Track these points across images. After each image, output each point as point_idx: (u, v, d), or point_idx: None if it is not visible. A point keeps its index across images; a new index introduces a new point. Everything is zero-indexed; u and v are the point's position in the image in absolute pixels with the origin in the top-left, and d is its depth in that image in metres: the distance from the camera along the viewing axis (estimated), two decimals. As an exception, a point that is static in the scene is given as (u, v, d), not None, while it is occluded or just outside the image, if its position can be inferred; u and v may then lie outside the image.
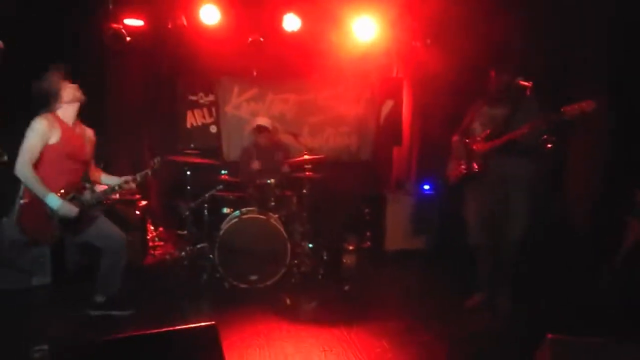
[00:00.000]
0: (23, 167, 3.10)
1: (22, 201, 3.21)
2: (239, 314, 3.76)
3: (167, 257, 5.24)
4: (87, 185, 3.49)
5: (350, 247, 4.86)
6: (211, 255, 4.47)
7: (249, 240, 4.36)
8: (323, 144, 6.24)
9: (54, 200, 3.16)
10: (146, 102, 5.86)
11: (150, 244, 5.51)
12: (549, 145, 3.42)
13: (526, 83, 3.65)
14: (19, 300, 3.98)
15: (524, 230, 3.74)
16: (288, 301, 4.12)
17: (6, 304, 3.75)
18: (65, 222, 3.27)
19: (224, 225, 4.48)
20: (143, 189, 5.54)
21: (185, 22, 5.20)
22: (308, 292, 4.31)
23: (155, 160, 3.68)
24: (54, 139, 3.20)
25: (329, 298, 4.20)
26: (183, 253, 4.90)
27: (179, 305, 3.96)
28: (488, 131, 3.78)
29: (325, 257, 4.96)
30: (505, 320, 3.72)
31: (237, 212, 4.56)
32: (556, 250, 4.78)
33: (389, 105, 6.39)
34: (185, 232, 5.14)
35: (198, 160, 4.87)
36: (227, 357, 2.15)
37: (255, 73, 6.01)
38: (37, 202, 3.17)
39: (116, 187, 3.54)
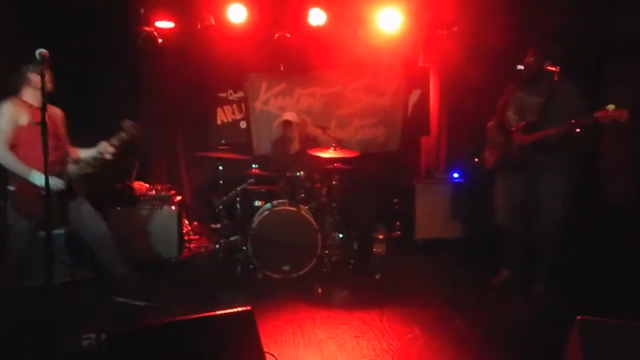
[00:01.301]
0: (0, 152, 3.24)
1: (11, 188, 3.32)
2: (273, 303, 3.87)
3: (202, 250, 5.42)
4: (69, 159, 3.59)
5: (380, 237, 4.92)
6: (244, 247, 4.61)
7: (281, 231, 4.47)
8: (351, 136, 6.30)
9: (37, 177, 3.26)
10: (178, 101, 6.05)
11: (186, 238, 5.70)
12: (578, 130, 3.39)
13: (553, 68, 3.62)
14: (62, 293, 4.18)
15: (560, 213, 3.75)
16: (320, 290, 4.22)
17: (51, 297, 3.95)
18: (60, 198, 3.39)
19: (256, 218, 4.60)
20: (175, 185, 5.75)
21: (213, 22, 5.35)
22: (339, 282, 4.40)
23: (126, 121, 3.68)
24: (22, 119, 3.31)
25: (360, 287, 4.28)
26: (217, 246, 5.07)
27: (215, 296, 4.11)
28: (525, 122, 3.77)
29: (355, 247, 5.04)
30: (538, 307, 3.72)
31: (268, 205, 4.67)
32: (593, 236, 4.73)
33: (416, 95, 6.39)
34: (219, 225, 5.30)
35: (229, 155, 5.01)
36: (262, 343, 2.26)
37: (282, 68, 6.10)
38: (26, 185, 3.29)
39: (97, 154, 3.58)
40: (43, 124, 2.69)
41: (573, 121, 3.41)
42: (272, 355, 2.78)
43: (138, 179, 5.38)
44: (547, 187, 3.76)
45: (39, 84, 3.38)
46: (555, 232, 3.81)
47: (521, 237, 4.02)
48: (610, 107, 3.21)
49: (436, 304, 3.83)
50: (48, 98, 3.44)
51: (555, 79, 3.60)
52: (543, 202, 3.79)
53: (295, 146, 5.39)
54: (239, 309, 2.17)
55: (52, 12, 4.70)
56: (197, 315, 2.11)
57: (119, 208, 5.01)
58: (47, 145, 2.77)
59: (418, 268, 4.86)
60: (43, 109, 2.74)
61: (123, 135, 3.64)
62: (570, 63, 3.68)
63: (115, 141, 3.62)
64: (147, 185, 5.40)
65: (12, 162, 3.26)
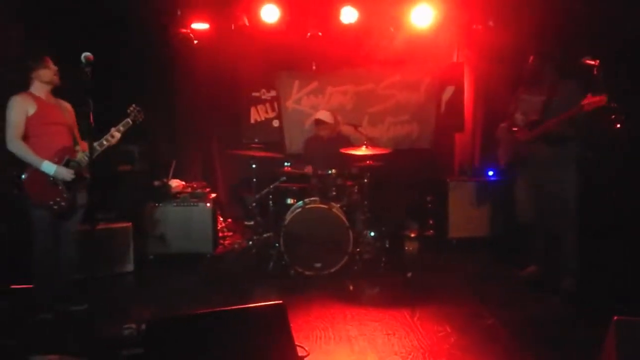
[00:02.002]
0: (12, 142, 3.37)
1: (24, 176, 3.43)
2: (304, 299, 3.92)
3: (236, 246, 5.53)
4: (78, 148, 3.68)
5: (412, 235, 4.90)
6: (277, 244, 4.67)
7: (313, 229, 4.51)
8: (383, 133, 6.29)
9: (49, 167, 3.40)
10: (213, 101, 6.19)
11: (220, 234, 5.82)
12: (618, 125, 3.34)
13: (592, 61, 3.53)
14: (107, 286, 4.37)
15: (571, 205, 3.87)
16: (351, 287, 4.24)
17: (95, 289, 4.12)
18: (69, 186, 3.50)
19: (289, 215, 4.66)
20: (210, 182, 5.88)
21: (247, 22, 5.44)
22: (371, 279, 4.41)
23: (132, 107, 3.78)
24: (31, 110, 3.43)
25: (392, 284, 4.28)
26: (250, 242, 5.16)
27: (247, 291, 4.20)
28: (530, 119, 3.93)
29: (387, 245, 5.04)
30: (570, 304, 3.67)
31: (300, 203, 4.72)
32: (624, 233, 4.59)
33: (450, 91, 6.31)
34: (252, 222, 5.39)
35: (262, 153, 5.09)
36: (294, 338, 2.30)
37: (314, 67, 6.15)
38: (37, 173, 3.41)
39: (104, 142, 3.65)
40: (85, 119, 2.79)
41: (563, 114, 3.65)
42: (303, 348, 2.83)
43: (174, 176, 5.54)
44: (555, 181, 3.91)
45: (46, 78, 3.53)
46: (570, 225, 3.90)
47: (541, 231, 4.16)
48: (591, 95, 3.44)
49: (468, 302, 3.81)
50: (56, 93, 3.65)
51: (595, 72, 3.51)
52: (552, 195, 3.94)
53: (328, 144, 5.41)
54: (272, 302, 2.22)
55: (89, 15, 4.87)
56: (232, 307, 2.18)
57: (156, 205, 5.17)
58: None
59: (451, 266, 4.83)
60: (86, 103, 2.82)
61: (128, 120, 3.75)
62: (571, 63, 3.82)
63: (121, 127, 3.73)
64: (184, 182, 5.55)
65: (26, 153, 3.39)
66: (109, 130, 3.70)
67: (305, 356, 2.80)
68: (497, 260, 4.87)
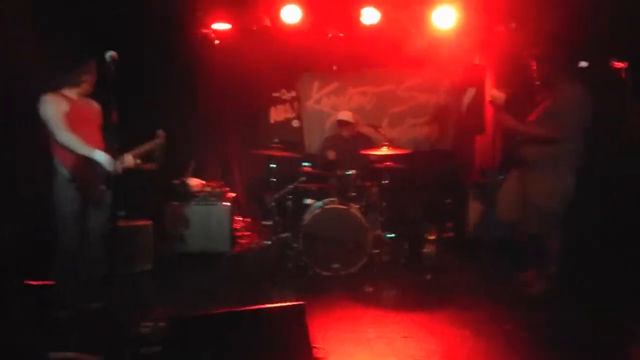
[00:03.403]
0: (62, 135, 3.35)
1: (65, 171, 3.41)
2: (322, 300, 3.91)
3: (254, 246, 5.55)
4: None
5: (431, 237, 4.86)
6: (295, 245, 4.67)
7: (331, 229, 4.50)
8: (403, 134, 6.25)
9: (101, 155, 3.40)
10: (233, 101, 6.22)
11: (238, 234, 5.85)
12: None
13: (620, 64, 3.46)
14: (126, 284, 4.40)
15: (549, 208, 3.78)
16: (369, 289, 4.22)
17: (114, 287, 4.16)
18: (107, 180, 3.49)
19: (307, 216, 4.66)
20: (228, 181, 5.91)
21: (268, 23, 5.46)
22: (389, 281, 4.38)
23: (158, 133, 3.77)
24: (65, 107, 3.42)
25: (411, 287, 4.25)
26: (268, 242, 5.17)
27: (266, 291, 4.21)
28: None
29: (406, 247, 5.00)
30: (589, 310, 3.61)
31: (319, 203, 4.72)
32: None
33: (471, 93, 6.23)
34: (270, 222, 5.40)
35: (282, 153, 5.09)
36: (312, 339, 2.30)
37: (335, 68, 6.15)
38: (83, 164, 3.41)
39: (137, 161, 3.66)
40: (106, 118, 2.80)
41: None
42: (322, 349, 2.82)
43: (193, 175, 5.58)
44: (534, 182, 3.85)
45: (79, 83, 3.53)
46: (550, 228, 3.84)
47: (524, 235, 4.10)
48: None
49: (487, 305, 3.76)
50: (91, 96, 3.64)
51: (623, 75, 3.44)
52: (530, 197, 3.88)
53: (348, 144, 5.40)
54: (292, 302, 2.22)
55: (111, 14, 4.91)
56: (252, 307, 2.18)
57: (175, 203, 5.22)
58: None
59: (470, 269, 4.76)
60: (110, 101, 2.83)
61: (153, 147, 3.78)
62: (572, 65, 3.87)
63: (138, 151, 3.71)
64: (202, 181, 5.59)
65: (77, 143, 3.38)
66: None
67: (324, 358, 2.78)
68: (517, 262, 4.79)
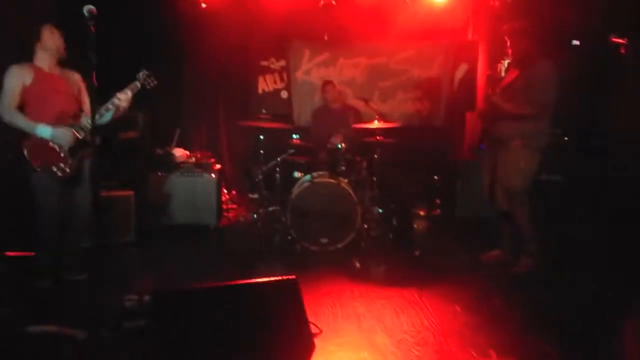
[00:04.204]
0: (4, 110, 3.23)
1: (25, 148, 3.28)
2: (311, 275, 3.83)
3: (241, 219, 5.45)
4: (82, 112, 3.51)
5: (422, 213, 4.82)
6: (283, 218, 4.59)
7: (320, 204, 4.42)
8: (394, 108, 6.15)
9: (44, 130, 3.25)
10: (220, 69, 6.02)
11: (224, 206, 5.74)
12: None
13: (620, 40, 3.39)
14: (107, 256, 4.27)
15: (512, 186, 3.80)
16: (358, 264, 4.17)
17: (96, 260, 4.04)
18: (72, 151, 3.34)
19: (296, 189, 4.56)
20: (215, 153, 5.76)
21: (257, -13, 5.25)
22: (378, 256, 4.33)
23: (143, 72, 3.58)
24: (28, 80, 3.29)
25: (399, 263, 4.20)
26: (255, 215, 5.07)
27: (253, 265, 4.12)
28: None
29: (395, 223, 4.96)
30: (582, 290, 3.60)
31: (308, 177, 4.62)
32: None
33: (463, 69, 6.15)
34: (257, 195, 5.29)
35: (271, 124, 4.96)
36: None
37: (326, 37, 5.98)
38: (38, 138, 3.27)
39: (110, 106, 3.44)
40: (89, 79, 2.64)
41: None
42: (316, 326, 2.75)
43: (178, 145, 5.42)
44: (501, 159, 3.86)
45: (49, 46, 3.35)
46: (515, 205, 3.85)
47: (499, 213, 4.08)
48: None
49: (476, 282, 3.73)
50: (63, 61, 3.45)
51: (623, 51, 3.37)
52: (498, 174, 3.91)
53: (337, 116, 5.28)
54: (284, 277, 2.13)
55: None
56: (243, 281, 2.09)
57: (159, 173, 5.07)
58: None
59: (458, 246, 4.74)
60: (89, 60, 2.65)
61: (137, 84, 3.57)
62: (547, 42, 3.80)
63: (128, 91, 3.53)
64: (187, 152, 5.43)
65: (18, 119, 3.26)
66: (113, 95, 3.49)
67: (318, 334, 2.72)
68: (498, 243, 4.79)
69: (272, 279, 2.13)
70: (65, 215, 3.50)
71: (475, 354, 2.63)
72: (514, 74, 3.80)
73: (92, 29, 2.60)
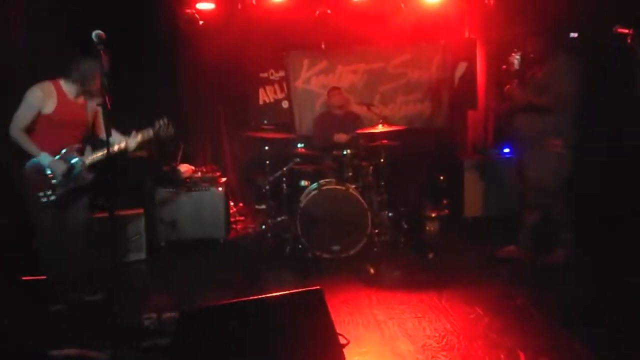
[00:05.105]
0: (13, 131, 3.23)
1: (27, 164, 3.32)
2: (325, 283, 3.73)
3: (250, 230, 5.42)
4: (86, 145, 3.51)
5: (433, 215, 4.79)
6: (293, 228, 4.56)
7: (330, 211, 4.39)
8: (396, 112, 6.13)
9: (44, 158, 3.27)
10: (220, 83, 6.00)
11: (232, 219, 5.70)
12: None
13: (626, 30, 3.36)
14: (120, 275, 4.23)
15: (542, 182, 3.81)
16: (371, 270, 4.14)
17: (109, 278, 4.00)
18: (65, 182, 3.35)
19: (304, 198, 4.53)
20: (219, 166, 5.73)
21: (254, 1, 5.25)
22: (391, 261, 4.31)
23: (160, 121, 3.60)
24: (48, 108, 3.28)
25: (414, 266, 4.18)
26: (264, 226, 5.04)
27: (266, 277, 4.10)
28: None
29: (405, 226, 4.93)
30: (601, 287, 3.54)
31: (315, 184, 4.60)
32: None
33: (462, 67, 6.14)
34: (264, 206, 5.26)
35: (275, 135, 4.94)
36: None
37: (323, 46, 5.98)
38: (39, 164, 3.30)
39: (118, 147, 3.50)
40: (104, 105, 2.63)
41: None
42: (343, 336, 2.71)
43: (183, 161, 5.39)
44: (530, 155, 3.91)
45: (86, 76, 3.34)
46: (553, 199, 3.87)
47: (523, 211, 4.13)
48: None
49: (493, 282, 3.70)
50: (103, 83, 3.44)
51: (629, 41, 3.34)
52: (525, 171, 3.96)
53: (341, 122, 5.28)
54: (309, 288, 2.10)
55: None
56: (268, 295, 2.06)
57: (167, 190, 5.04)
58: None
59: (470, 247, 4.72)
60: (103, 90, 2.65)
61: (150, 132, 3.60)
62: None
63: (140, 137, 3.58)
64: (193, 167, 5.41)
65: (24, 142, 3.26)
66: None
67: (346, 344, 2.68)
68: (513, 239, 4.76)
69: (296, 290, 2.10)
70: (65, 235, 3.51)
71: (503, 357, 2.59)
72: (536, 71, 3.86)
73: (102, 53, 2.60)
